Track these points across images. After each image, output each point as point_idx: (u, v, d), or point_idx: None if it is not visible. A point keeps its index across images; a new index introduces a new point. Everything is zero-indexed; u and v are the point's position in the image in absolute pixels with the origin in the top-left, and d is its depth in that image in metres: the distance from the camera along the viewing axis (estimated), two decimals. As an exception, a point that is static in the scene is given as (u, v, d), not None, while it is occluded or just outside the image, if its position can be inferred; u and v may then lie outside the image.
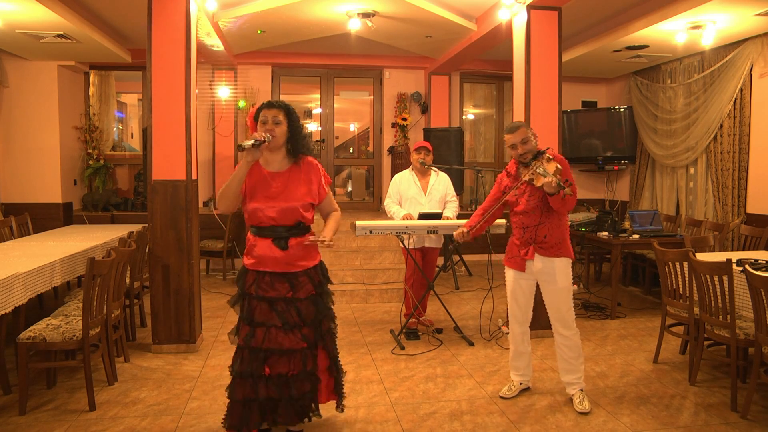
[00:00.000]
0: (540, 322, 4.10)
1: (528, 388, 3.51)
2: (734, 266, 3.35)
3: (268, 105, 2.61)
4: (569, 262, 3.25)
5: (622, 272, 6.57)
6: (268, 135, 2.51)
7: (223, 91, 7.52)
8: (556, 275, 3.20)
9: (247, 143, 2.44)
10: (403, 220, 4.45)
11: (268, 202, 2.59)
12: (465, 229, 3.44)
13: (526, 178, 3.17)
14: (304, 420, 2.80)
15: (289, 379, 2.61)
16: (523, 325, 3.40)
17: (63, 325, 3.26)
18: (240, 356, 2.61)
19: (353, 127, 11.64)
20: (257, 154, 2.50)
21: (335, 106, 8.35)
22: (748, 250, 5.13)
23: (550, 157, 3.12)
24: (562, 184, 2.95)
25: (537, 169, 3.08)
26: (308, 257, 2.68)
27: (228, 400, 2.64)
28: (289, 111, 2.62)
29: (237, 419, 2.58)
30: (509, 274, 3.37)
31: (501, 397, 3.40)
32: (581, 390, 3.29)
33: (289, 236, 2.61)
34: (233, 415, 2.59)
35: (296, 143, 2.64)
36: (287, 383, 2.61)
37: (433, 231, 4.38)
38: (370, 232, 4.27)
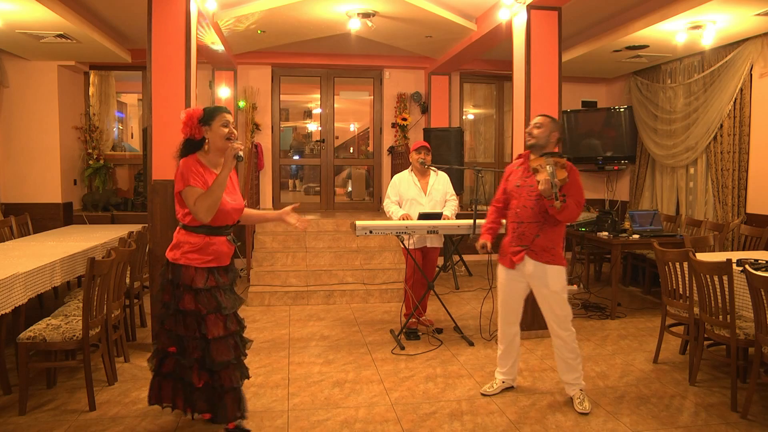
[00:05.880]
0: (540, 322, 4.08)
1: (512, 387, 3.52)
2: (734, 266, 3.36)
3: (226, 110, 2.74)
4: (562, 269, 3.24)
5: (622, 272, 6.58)
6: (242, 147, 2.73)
7: (223, 91, 7.52)
8: (548, 280, 3.20)
9: (241, 153, 2.64)
10: (401, 220, 4.45)
11: (233, 204, 2.76)
12: (486, 242, 3.43)
13: (534, 164, 3.17)
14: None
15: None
16: (513, 326, 3.42)
17: (63, 325, 3.26)
18: (225, 345, 2.66)
19: (353, 127, 11.64)
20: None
21: (335, 106, 8.34)
22: (748, 250, 5.13)
23: (564, 164, 3.11)
24: (558, 195, 2.97)
25: (547, 166, 3.06)
26: None
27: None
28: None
29: (236, 406, 2.69)
30: (501, 273, 3.38)
31: (482, 394, 3.43)
32: (581, 390, 3.29)
33: (232, 232, 2.82)
34: (231, 404, 2.68)
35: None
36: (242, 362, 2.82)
37: (433, 231, 4.38)
38: (370, 232, 4.27)
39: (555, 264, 3.20)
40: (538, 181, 3.06)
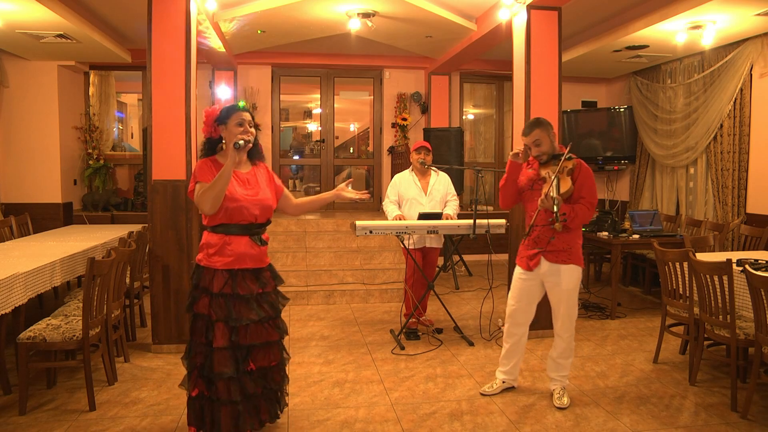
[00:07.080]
0: (540, 322, 4.09)
1: (513, 387, 3.52)
2: (734, 266, 3.36)
3: (243, 108, 2.69)
4: (578, 269, 3.21)
5: (622, 272, 6.58)
6: (250, 137, 2.63)
7: (223, 91, 7.52)
8: (561, 277, 3.18)
9: (242, 142, 2.54)
10: (394, 220, 4.44)
11: (251, 200, 2.66)
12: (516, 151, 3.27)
13: (543, 173, 3.17)
14: (279, 413, 2.84)
15: (268, 370, 2.71)
16: (522, 326, 3.39)
17: (63, 325, 3.26)
18: (226, 356, 2.56)
19: (353, 127, 11.64)
20: (243, 155, 2.62)
21: (335, 106, 8.34)
22: (748, 250, 5.13)
23: (572, 168, 3.10)
24: (558, 215, 2.96)
25: (552, 177, 3.05)
26: (266, 254, 2.80)
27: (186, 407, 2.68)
28: (253, 117, 2.75)
29: (231, 423, 2.56)
30: (517, 273, 3.35)
31: (482, 394, 3.43)
32: (563, 387, 3.32)
33: (261, 233, 2.72)
34: (226, 420, 2.55)
35: (257, 147, 2.77)
36: (266, 375, 2.70)
37: (433, 231, 4.38)
38: (370, 232, 4.27)
39: (571, 263, 3.18)
40: (545, 194, 3.04)
